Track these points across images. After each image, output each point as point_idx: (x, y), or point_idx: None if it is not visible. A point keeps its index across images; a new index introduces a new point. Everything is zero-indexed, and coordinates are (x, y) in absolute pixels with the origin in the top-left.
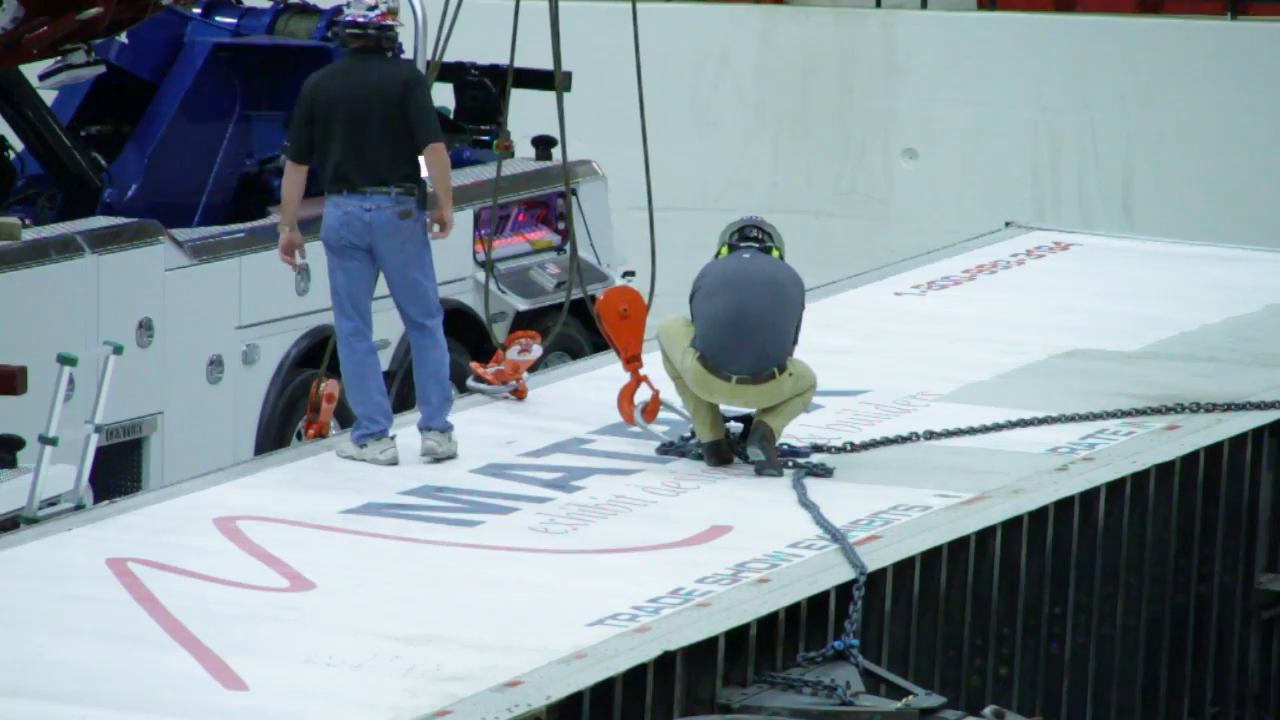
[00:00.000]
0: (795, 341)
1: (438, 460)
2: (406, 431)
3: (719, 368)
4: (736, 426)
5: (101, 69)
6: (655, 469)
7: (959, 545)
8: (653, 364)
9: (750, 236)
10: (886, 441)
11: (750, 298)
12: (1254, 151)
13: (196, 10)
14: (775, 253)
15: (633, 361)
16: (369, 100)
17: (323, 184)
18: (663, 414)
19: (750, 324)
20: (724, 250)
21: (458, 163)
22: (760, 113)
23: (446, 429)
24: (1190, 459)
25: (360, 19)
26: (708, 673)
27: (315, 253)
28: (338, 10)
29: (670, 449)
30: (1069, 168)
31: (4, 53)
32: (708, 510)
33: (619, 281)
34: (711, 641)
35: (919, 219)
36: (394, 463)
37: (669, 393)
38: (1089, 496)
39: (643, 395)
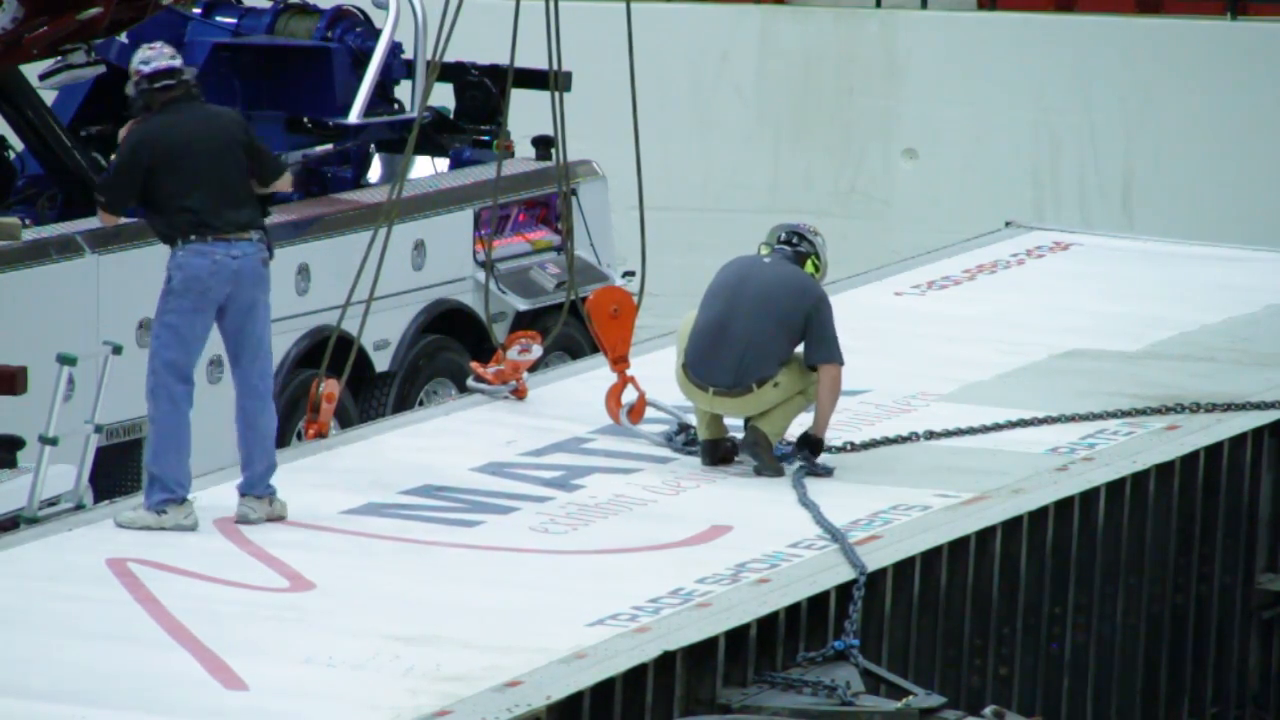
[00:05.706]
0: (824, 339)
1: (249, 524)
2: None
3: (697, 378)
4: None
5: (101, 69)
6: (655, 469)
7: (959, 545)
8: (641, 365)
9: (785, 241)
10: (886, 441)
11: (737, 311)
12: (1254, 151)
13: (196, 10)
14: (809, 262)
15: (619, 362)
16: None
17: (171, 232)
18: (654, 414)
19: (730, 339)
20: (762, 249)
21: (458, 162)
22: (760, 113)
23: (267, 493)
24: (1190, 459)
25: (147, 71)
26: (708, 673)
27: (315, 251)
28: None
29: (673, 443)
30: (1069, 168)
31: (4, 53)
32: (708, 510)
33: (619, 282)
34: (711, 641)
35: (919, 219)
36: (195, 527)
37: (655, 394)
38: (1089, 496)
39: (629, 396)
